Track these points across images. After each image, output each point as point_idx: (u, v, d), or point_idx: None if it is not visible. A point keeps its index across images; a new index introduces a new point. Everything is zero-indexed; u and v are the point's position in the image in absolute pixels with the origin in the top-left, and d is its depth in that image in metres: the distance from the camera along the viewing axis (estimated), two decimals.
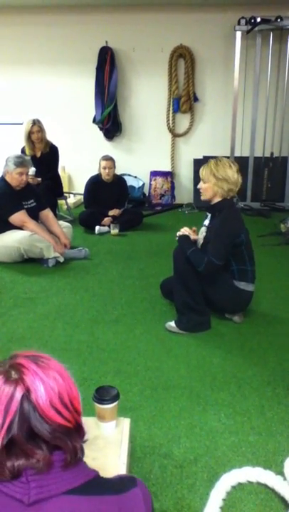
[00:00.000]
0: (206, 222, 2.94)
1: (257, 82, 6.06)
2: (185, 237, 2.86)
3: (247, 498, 1.57)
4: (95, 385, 1.75)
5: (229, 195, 2.78)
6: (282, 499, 1.56)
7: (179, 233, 2.90)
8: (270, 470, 1.65)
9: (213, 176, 2.73)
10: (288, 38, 5.88)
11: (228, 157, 6.02)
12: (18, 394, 0.85)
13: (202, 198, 2.89)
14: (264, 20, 5.68)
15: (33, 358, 0.91)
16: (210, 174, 2.74)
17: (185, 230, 2.89)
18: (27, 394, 0.85)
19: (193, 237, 2.90)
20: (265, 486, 1.61)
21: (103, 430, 1.62)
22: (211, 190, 2.77)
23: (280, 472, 1.64)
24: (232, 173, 2.72)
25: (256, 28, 5.76)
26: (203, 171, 2.79)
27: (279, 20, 5.65)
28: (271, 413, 2.03)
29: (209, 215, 2.93)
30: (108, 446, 1.56)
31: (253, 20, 5.69)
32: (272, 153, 6.33)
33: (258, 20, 5.66)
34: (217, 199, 2.81)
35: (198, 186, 2.86)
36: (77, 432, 0.91)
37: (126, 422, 1.68)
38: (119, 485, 0.96)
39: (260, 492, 1.59)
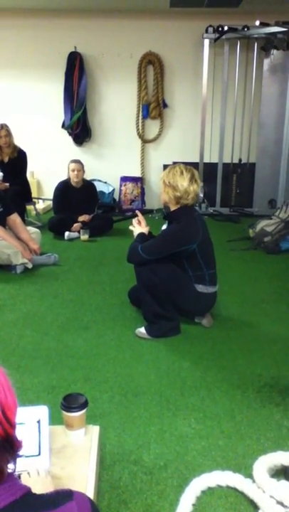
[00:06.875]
0: (164, 227, 2.93)
1: (225, 89, 6.15)
2: (143, 234, 2.86)
3: (217, 502, 1.57)
4: (63, 393, 1.72)
5: (180, 202, 2.70)
6: (252, 502, 1.56)
7: (132, 228, 2.93)
8: (240, 473, 1.66)
9: (163, 182, 2.71)
10: (255, 47, 6.00)
11: (197, 163, 6.12)
12: None
13: (161, 201, 2.87)
14: (231, 29, 5.78)
15: None
16: (161, 179, 2.74)
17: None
18: None
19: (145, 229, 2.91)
20: (235, 490, 1.62)
21: (72, 438, 1.59)
22: (164, 195, 2.75)
23: (250, 475, 1.65)
24: (181, 181, 2.63)
25: (224, 37, 5.86)
26: (161, 175, 2.79)
27: (246, 29, 5.76)
28: (240, 416, 2.04)
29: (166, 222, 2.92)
30: (77, 454, 1.54)
31: (220, 29, 5.78)
32: (240, 160, 6.42)
33: (226, 28, 5.76)
34: (173, 206, 2.76)
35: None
36: (8, 445, 0.82)
37: (95, 430, 1.66)
38: (52, 500, 0.88)
39: (229, 496, 1.60)
